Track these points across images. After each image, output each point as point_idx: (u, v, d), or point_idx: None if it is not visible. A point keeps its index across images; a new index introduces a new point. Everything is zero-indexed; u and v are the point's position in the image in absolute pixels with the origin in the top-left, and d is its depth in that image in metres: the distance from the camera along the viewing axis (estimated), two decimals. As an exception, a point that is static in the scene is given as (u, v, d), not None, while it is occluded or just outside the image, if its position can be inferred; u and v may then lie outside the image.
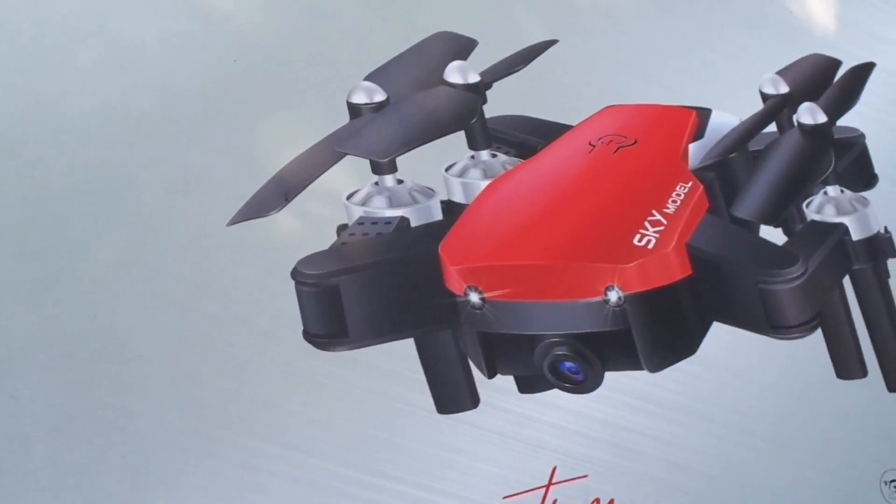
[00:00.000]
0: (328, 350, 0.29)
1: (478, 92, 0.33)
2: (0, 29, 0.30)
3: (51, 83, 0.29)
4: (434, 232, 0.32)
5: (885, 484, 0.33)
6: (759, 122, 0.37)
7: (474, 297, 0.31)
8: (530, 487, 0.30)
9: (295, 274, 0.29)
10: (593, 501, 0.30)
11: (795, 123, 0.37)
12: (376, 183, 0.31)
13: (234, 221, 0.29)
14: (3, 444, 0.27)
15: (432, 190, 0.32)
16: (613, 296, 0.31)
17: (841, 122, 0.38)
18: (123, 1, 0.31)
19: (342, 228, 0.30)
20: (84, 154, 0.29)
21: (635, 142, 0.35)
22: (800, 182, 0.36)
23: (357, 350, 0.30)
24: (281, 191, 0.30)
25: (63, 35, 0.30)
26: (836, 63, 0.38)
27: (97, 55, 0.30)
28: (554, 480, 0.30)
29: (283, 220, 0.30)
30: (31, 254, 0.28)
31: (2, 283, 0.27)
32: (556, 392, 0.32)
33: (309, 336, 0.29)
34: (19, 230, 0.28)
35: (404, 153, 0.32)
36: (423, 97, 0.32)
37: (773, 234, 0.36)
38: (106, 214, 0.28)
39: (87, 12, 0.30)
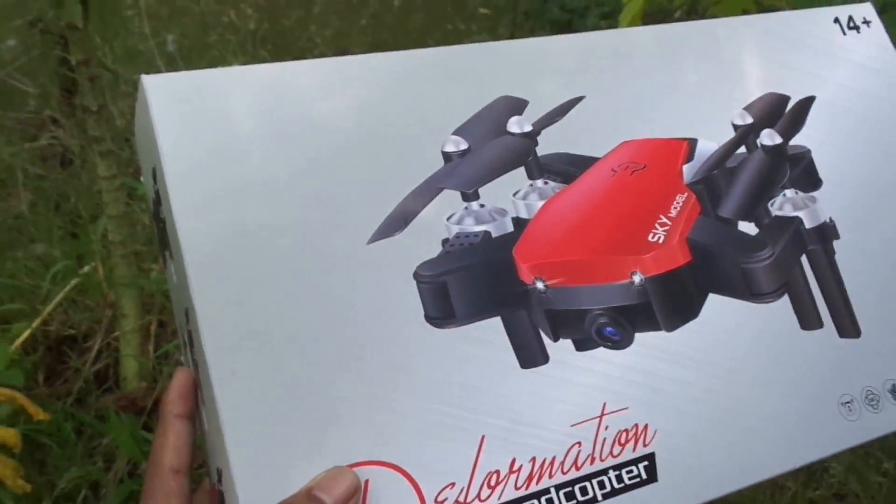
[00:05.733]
0: (442, 328, 0.34)
1: (531, 138, 0.39)
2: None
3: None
4: (509, 240, 0.38)
5: (841, 405, 0.40)
6: (733, 145, 0.42)
7: (540, 285, 0.37)
8: (589, 417, 0.36)
9: (416, 275, 0.35)
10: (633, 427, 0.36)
11: (759, 146, 0.43)
12: (466, 207, 0.36)
13: (372, 241, 0.35)
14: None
15: (505, 210, 0.37)
16: (637, 278, 0.37)
17: (793, 141, 0.44)
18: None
19: (445, 241, 0.36)
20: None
21: (645, 166, 0.40)
22: (765, 188, 0.42)
23: (462, 326, 0.35)
24: (402, 217, 0.35)
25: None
26: (786, 98, 0.44)
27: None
28: (605, 412, 0.36)
29: (404, 237, 0.36)
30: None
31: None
32: (601, 349, 0.38)
33: (428, 318, 0.34)
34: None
35: (484, 185, 0.38)
36: (493, 144, 0.38)
37: (748, 228, 0.42)
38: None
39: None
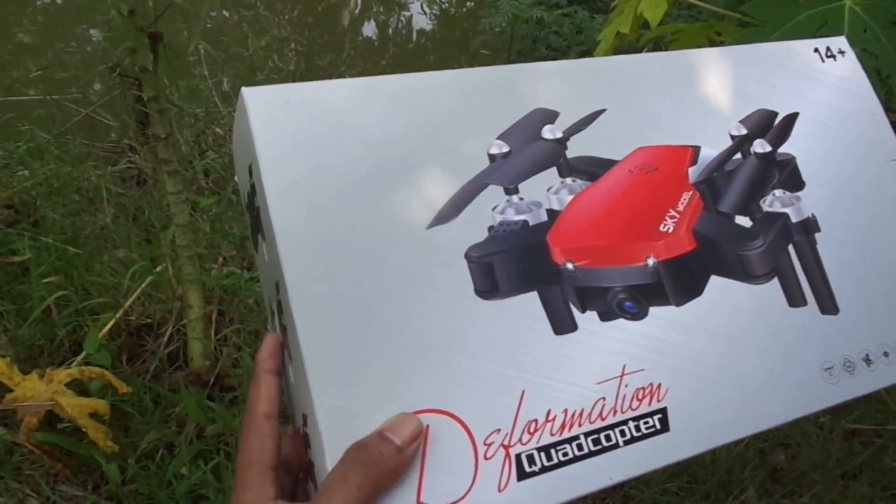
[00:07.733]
0: (488, 300, 0.35)
1: (562, 143, 0.39)
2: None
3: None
4: (544, 228, 0.38)
5: (823, 370, 0.40)
6: (730, 152, 0.43)
7: (570, 266, 0.37)
8: (612, 377, 0.36)
9: (466, 255, 0.36)
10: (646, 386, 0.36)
11: (752, 153, 0.43)
12: (508, 200, 0.37)
13: (430, 226, 0.35)
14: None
15: (540, 203, 0.38)
16: (651, 261, 0.38)
17: (780, 149, 0.45)
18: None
19: (490, 228, 0.36)
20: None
21: (657, 168, 0.41)
22: (757, 188, 0.43)
23: (505, 299, 0.36)
24: (455, 207, 0.36)
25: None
26: (775, 113, 0.44)
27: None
28: (625, 372, 0.36)
29: (457, 224, 0.36)
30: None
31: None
32: (621, 320, 0.38)
33: (477, 292, 0.35)
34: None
35: (523, 181, 0.39)
36: (530, 148, 0.38)
37: (744, 221, 0.42)
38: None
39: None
